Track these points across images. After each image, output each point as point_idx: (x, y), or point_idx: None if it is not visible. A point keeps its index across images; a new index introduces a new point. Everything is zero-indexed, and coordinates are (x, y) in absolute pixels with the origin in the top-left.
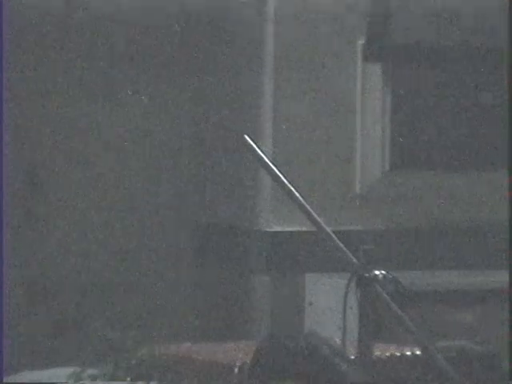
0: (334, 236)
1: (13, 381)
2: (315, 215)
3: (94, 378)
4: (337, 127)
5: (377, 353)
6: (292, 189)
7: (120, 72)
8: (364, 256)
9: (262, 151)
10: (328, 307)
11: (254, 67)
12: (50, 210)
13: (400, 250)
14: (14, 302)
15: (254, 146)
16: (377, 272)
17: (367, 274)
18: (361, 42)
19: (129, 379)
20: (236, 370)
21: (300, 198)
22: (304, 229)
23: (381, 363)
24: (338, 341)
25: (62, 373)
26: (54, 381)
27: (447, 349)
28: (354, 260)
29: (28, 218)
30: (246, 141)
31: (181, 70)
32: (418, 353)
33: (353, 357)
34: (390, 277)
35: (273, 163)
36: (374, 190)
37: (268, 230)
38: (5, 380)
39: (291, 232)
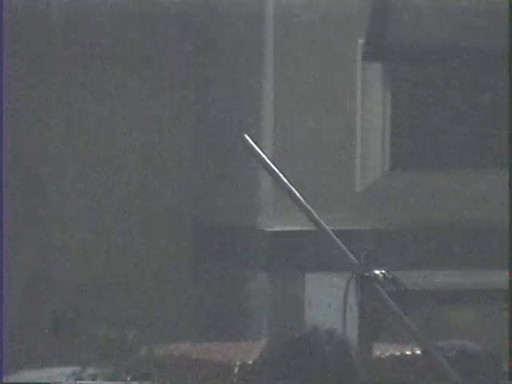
0: (334, 236)
1: (13, 381)
2: (315, 215)
3: (94, 377)
4: (337, 127)
5: (377, 353)
6: (292, 189)
7: (121, 72)
8: (364, 255)
9: (262, 151)
10: (328, 307)
11: (254, 67)
12: (50, 209)
13: (400, 249)
14: (14, 302)
15: (254, 145)
16: (377, 271)
17: (367, 274)
18: (361, 41)
19: (129, 379)
20: (236, 369)
21: (300, 198)
22: (304, 228)
23: (381, 363)
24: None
25: (62, 372)
26: (54, 381)
27: (447, 348)
28: (354, 260)
29: (28, 218)
30: (246, 141)
31: (181, 71)
32: (418, 353)
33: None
34: (390, 276)
35: (273, 163)
36: (373, 190)
37: (268, 229)
38: (5, 380)
39: (291, 232)
